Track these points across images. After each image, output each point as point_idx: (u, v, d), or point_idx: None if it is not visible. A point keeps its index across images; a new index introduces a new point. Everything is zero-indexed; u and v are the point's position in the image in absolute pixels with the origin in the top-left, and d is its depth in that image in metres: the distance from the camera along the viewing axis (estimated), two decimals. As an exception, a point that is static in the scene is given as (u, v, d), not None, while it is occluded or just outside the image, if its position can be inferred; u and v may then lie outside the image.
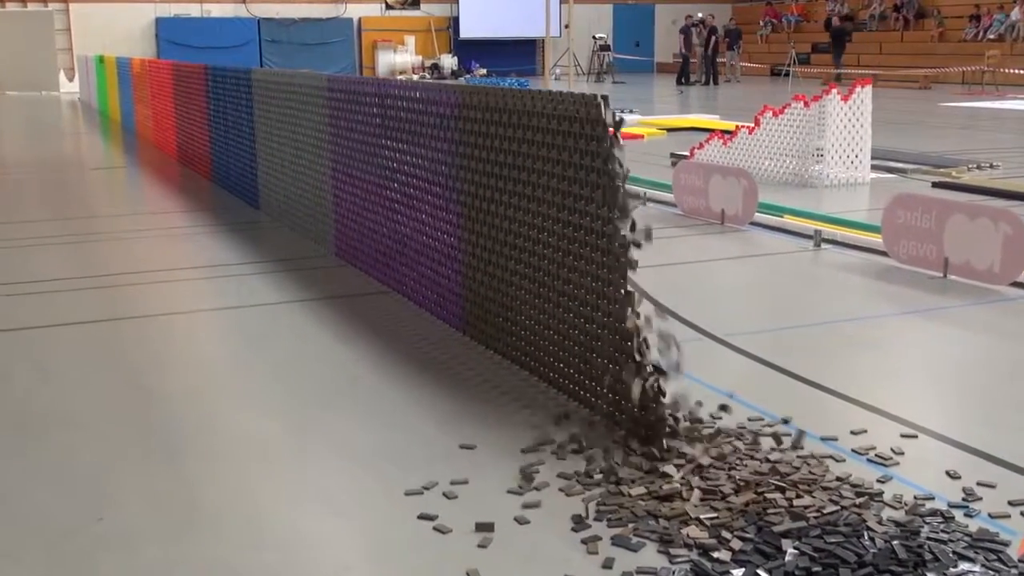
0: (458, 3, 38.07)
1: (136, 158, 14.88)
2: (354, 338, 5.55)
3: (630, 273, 4.21)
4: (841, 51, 31.75)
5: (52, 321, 6.06)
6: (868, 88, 10.60)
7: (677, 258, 7.62)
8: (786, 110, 10.83)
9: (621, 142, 4.25)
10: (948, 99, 24.01)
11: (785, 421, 4.27)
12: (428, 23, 38.35)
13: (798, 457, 3.89)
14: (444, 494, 3.64)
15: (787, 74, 34.86)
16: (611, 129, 4.21)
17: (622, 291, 4.20)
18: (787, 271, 7.24)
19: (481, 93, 5.16)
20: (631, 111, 20.18)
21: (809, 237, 7.94)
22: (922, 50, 32.26)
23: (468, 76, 35.56)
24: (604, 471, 3.77)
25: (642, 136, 15.94)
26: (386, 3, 38.09)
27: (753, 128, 11.29)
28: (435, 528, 3.39)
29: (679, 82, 32.14)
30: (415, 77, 34.07)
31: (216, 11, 35.86)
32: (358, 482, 3.79)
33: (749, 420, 4.28)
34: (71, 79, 33.21)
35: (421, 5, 38.43)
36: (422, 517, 3.47)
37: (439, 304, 5.83)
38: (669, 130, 16.84)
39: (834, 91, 10.49)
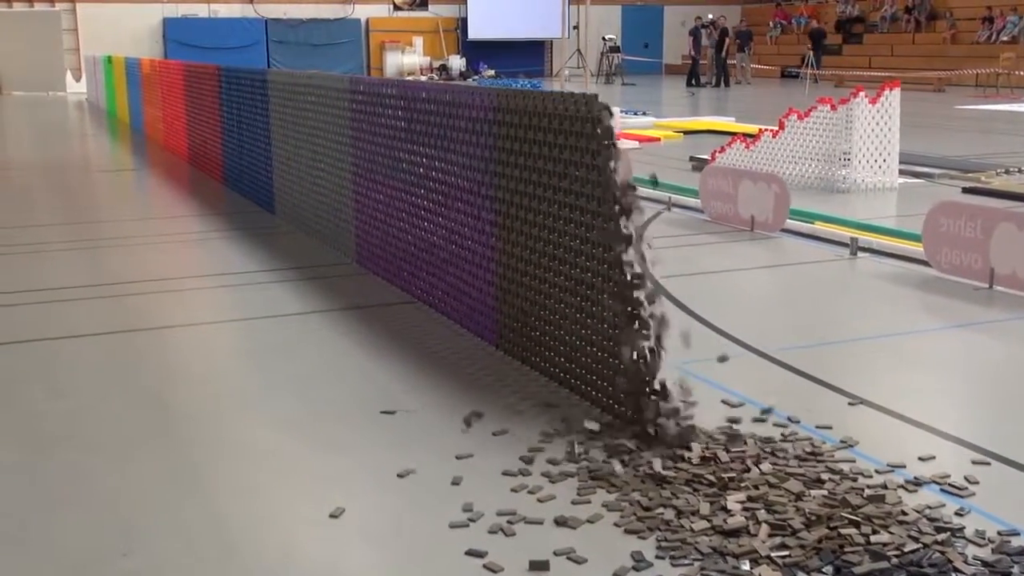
0: (466, 4, 37.80)
1: (146, 160, 14.64)
2: (383, 352, 5.30)
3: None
4: (820, 53, 32.61)
5: (63, 332, 5.81)
6: (896, 91, 10.33)
7: (708, 267, 7.36)
8: (812, 113, 10.58)
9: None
10: (963, 101, 23.73)
11: (847, 444, 4.02)
12: (436, 24, 38.10)
13: (868, 487, 3.63)
14: (491, 528, 3.38)
15: (797, 75, 34.61)
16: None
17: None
18: (825, 281, 6.98)
19: (518, 96, 4.92)
20: (644, 113, 19.92)
21: (843, 245, 7.68)
22: (934, 52, 31.96)
23: (476, 77, 35.31)
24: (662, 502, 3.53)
25: (659, 139, 15.68)
26: (394, 4, 37.84)
27: (777, 131, 11.02)
28: (485, 566, 3.14)
29: (689, 84, 31.86)
30: (423, 78, 33.83)
31: (224, 11, 35.61)
32: (396, 510, 3.54)
33: (798, 439, 4.03)
34: (78, 79, 32.97)
35: (429, 6, 38.17)
36: (470, 553, 3.22)
37: (470, 316, 5.58)
38: (685, 133, 16.57)
39: (861, 94, 10.23)
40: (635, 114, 19.32)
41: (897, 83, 10.44)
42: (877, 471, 3.79)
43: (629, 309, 4.16)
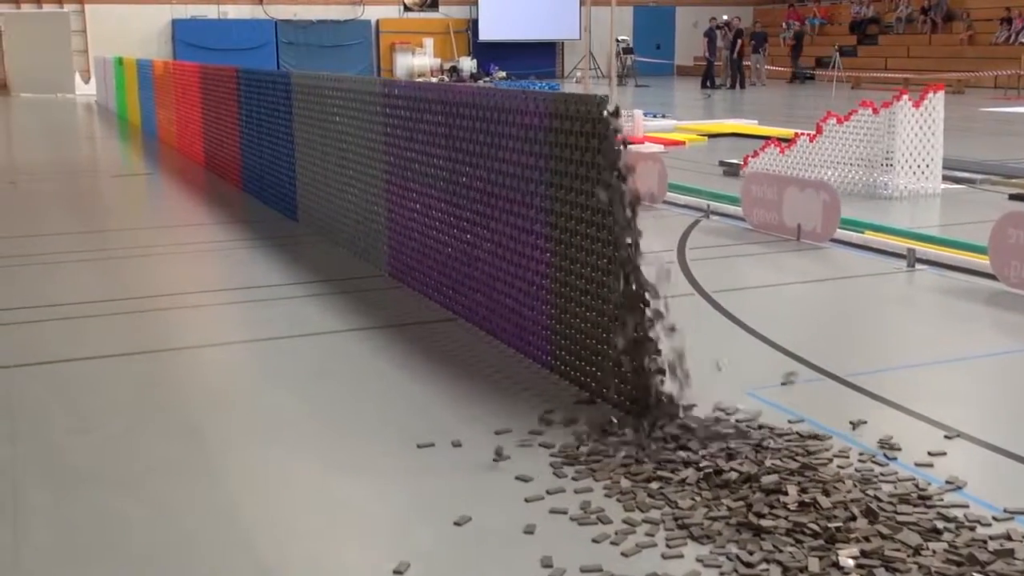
0: (477, 5, 37.43)
1: (160, 165, 14.27)
2: (428, 376, 4.92)
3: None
4: (798, 53, 33.88)
5: (82, 353, 5.43)
6: (940, 94, 9.95)
7: (757, 280, 6.98)
8: (852, 116, 10.19)
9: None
10: (985, 104, 23.30)
11: (955, 486, 3.63)
12: (447, 25, 37.73)
13: (990, 538, 3.25)
14: (577, 588, 3.01)
15: (812, 77, 34.19)
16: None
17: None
18: (885, 296, 6.59)
19: (576, 102, 4.54)
20: (663, 116, 19.53)
21: (898, 256, 7.29)
22: (951, 53, 31.55)
23: (487, 79, 34.93)
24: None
25: (683, 143, 15.29)
26: (404, 5, 37.47)
27: (815, 135, 10.64)
28: (577, 637, 2.77)
29: (704, 85, 31.45)
30: (434, 79, 33.45)
31: (233, 13, 35.27)
32: (466, 566, 3.16)
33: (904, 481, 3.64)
34: (87, 81, 32.63)
35: (440, 7, 37.80)
36: (557, 620, 2.84)
37: (519, 336, 5.20)
38: (709, 136, 16.17)
39: (905, 97, 9.83)
40: (654, 116, 18.91)
41: (941, 86, 10.05)
42: (995, 518, 3.41)
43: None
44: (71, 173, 13.43)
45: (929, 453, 3.93)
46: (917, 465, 3.84)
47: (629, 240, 4.25)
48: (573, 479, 3.77)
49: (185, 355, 5.41)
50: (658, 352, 4.21)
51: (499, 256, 5.30)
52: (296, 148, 8.70)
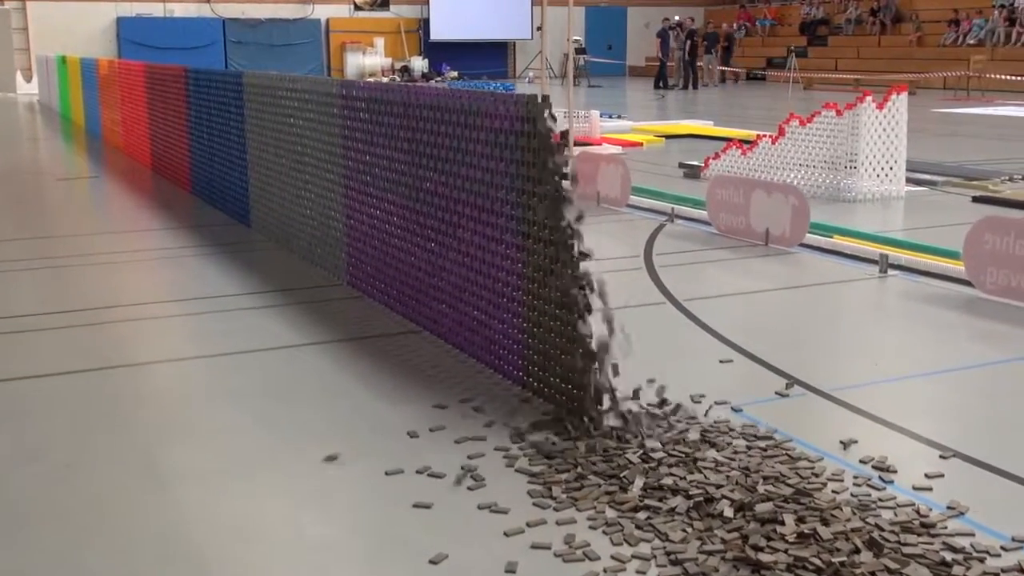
0: (428, 5, 37.11)
1: (105, 167, 13.83)
2: (393, 392, 4.66)
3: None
4: (730, 55, 34.54)
5: (26, 371, 5.11)
6: (904, 95, 9.84)
7: (728, 287, 6.80)
8: (815, 118, 10.06)
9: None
10: (936, 105, 23.42)
11: (958, 512, 3.45)
12: (398, 25, 37.36)
13: (1002, 571, 3.06)
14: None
15: (763, 78, 34.28)
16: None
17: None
18: (860, 304, 6.44)
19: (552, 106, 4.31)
20: (619, 116, 19.38)
21: (869, 261, 7.15)
22: (901, 55, 31.79)
23: (439, 79, 34.62)
24: None
25: (640, 144, 15.13)
26: (355, 4, 37.05)
27: (777, 137, 10.50)
28: None
29: (657, 86, 31.39)
30: (384, 79, 33.08)
31: (179, 11, 34.63)
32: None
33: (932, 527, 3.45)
34: (29, 80, 31.83)
35: (391, 6, 37.43)
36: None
37: (488, 350, 4.95)
38: (666, 137, 16.03)
39: (868, 99, 9.72)
40: (610, 117, 18.74)
41: (904, 87, 9.96)
42: (1004, 548, 3.22)
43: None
44: (13, 175, 12.97)
45: (926, 475, 3.75)
46: (915, 489, 3.65)
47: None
48: (554, 509, 3.53)
49: (136, 373, 5.09)
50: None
51: (466, 266, 5.06)
52: (248, 151, 8.38)
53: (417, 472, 3.82)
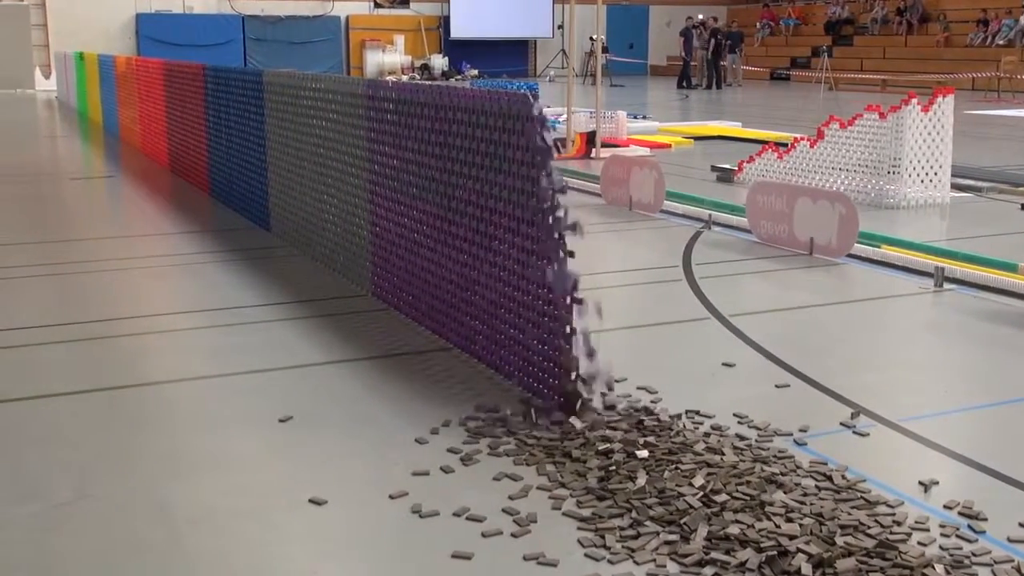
0: (448, 2, 36.75)
1: (121, 166, 13.51)
2: (427, 418, 4.26)
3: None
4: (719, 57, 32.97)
5: (31, 391, 4.75)
6: (950, 98, 9.42)
7: (775, 301, 6.40)
8: (857, 121, 9.65)
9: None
10: (966, 106, 22.89)
11: (1065, 573, 3.05)
12: (418, 22, 37.02)
13: None
14: None
15: (787, 77, 33.81)
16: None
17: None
18: (921, 322, 6.02)
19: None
20: (644, 117, 18.96)
21: (922, 274, 6.74)
22: (927, 55, 31.24)
23: (459, 77, 34.27)
24: None
25: (669, 145, 14.72)
26: (375, 1, 36.72)
27: (815, 140, 10.10)
28: None
29: (680, 86, 30.96)
30: (404, 78, 32.76)
31: (199, 7, 34.37)
32: None
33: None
34: (47, 76, 31.63)
35: (411, 4, 37.09)
36: None
37: (527, 372, 4.58)
38: (696, 139, 15.61)
39: (913, 101, 9.30)
40: (635, 118, 18.31)
41: (951, 89, 9.52)
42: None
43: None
44: (28, 175, 12.65)
45: (1021, 524, 3.35)
46: (1011, 541, 3.26)
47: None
48: (609, 561, 3.15)
49: (144, 394, 4.73)
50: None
51: (502, 280, 4.68)
52: (268, 152, 8.02)
53: (454, 515, 3.44)
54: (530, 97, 4.33)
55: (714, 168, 11.66)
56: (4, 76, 30.99)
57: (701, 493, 3.50)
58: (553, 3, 37.24)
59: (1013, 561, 3.11)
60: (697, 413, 4.31)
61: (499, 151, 4.55)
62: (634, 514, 3.41)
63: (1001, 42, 29.73)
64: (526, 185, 4.38)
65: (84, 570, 3.13)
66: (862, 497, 3.53)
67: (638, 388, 4.59)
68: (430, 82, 26.90)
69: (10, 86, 30.92)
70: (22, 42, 31.97)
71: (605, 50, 34.55)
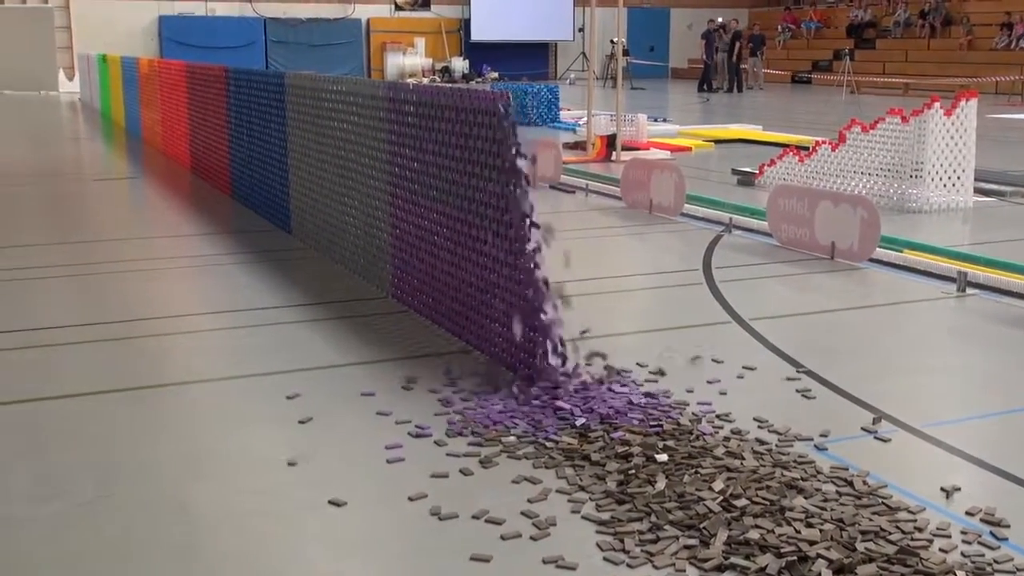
0: (469, 5, 36.79)
1: (144, 168, 13.59)
2: (452, 423, 4.28)
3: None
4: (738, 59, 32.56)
5: (54, 391, 4.79)
6: (974, 102, 9.36)
7: (796, 305, 6.37)
8: (879, 125, 9.61)
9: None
10: (990, 110, 22.75)
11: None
12: (439, 25, 37.07)
13: None
14: None
15: (808, 81, 33.70)
16: None
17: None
18: (943, 327, 6.00)
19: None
20: (664, 120, 18.94)
21: (944, 278, 6.71)
22: (951, 58, 31.02)
23: (479, 80, 34.31)
24: None
25: (690, 148, 14.69)
26: (395, 4, 36.79)
27: (837, 144, 10.06)
28: None
29: (701, 89, 30.89)
30: (425, 80, 32.83)
31: (221, 10, 34.51)
32: None
33: None
34: (71, 78, 31.84)
35: (432, 6, 37.14)
36: None
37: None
38: (716, 142, 15.58)
39: (936, 104, 9.25)
40: (655, 120, 18.28)
41: (975, 93, 9.46)
42: None
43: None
44: (51, 176, 12.74)
45: (1044, 531, 3.34)
46: (1034, 550, 3.24)
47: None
48: (628, 565, 3.15)
49: (166, 395, 4.76)
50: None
51: (522, 283, 4.68)
52: (290, 154, 8.06)
53: (473, 517, 3.45)
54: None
55: (735, 171, 11.63)
56: (28, 78, 31.22)
57: (721, 498, 3.50)
58: (574, 6, 37.22)
59: (1037, 569, 3.10)
60: (717, 417, 4.31)
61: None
62: (653, 518, 3.41)
63: (1025, 45, 29.53)
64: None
65: (106, 569, 3.15)
66: (883, 503, 3.52)
67: (661, 393, 4.58)
68: (450, 84, 27.02)
69: (34, 88, 31.15)
70: (46, 44, 32.19)
71: (626, 53, 34.53)
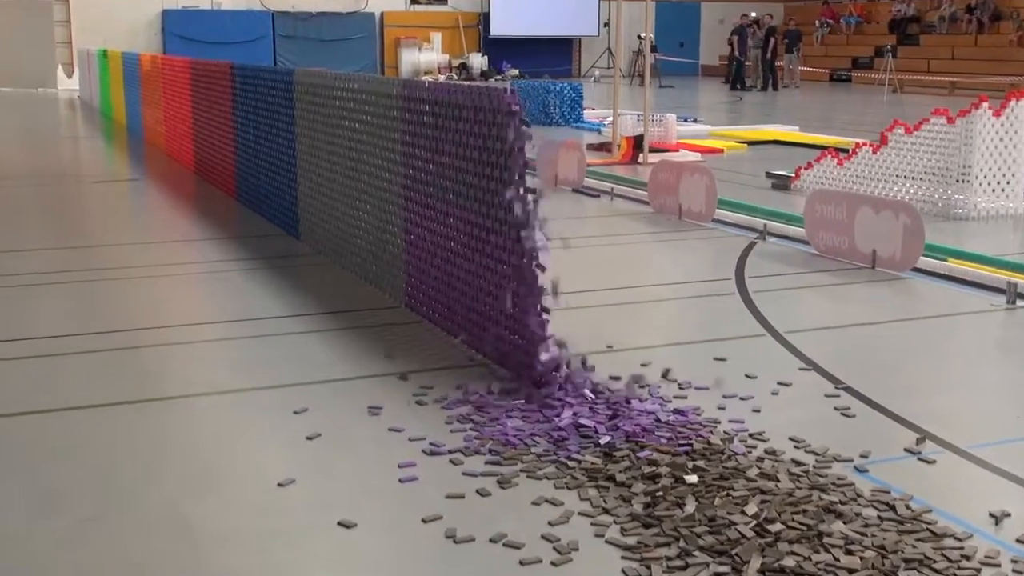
0: (488, -2, 36.92)
1: (145, 169, 13.69)
2: (469, 441, 4.28)
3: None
4: (773, 54, 32.27)
5: (53, 403, 4.81)
6: (1024, 102, 9.32)
7: (835, 318, 6.33)
8: (923, 126, 9.58)
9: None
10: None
11: None
12: (456, 19, 37.18)
13: None
14: None
15: (848, 79, 33.63)
16: None
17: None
18: (991, 341, 5.96)
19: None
20: (695, 120, 18.92)
21: (993, 290, 6.67)
22: (1000, 55, 30.89)
23: (499, 77, 34.39)
24: None
25: (721, 150, 14.68)
26: (411, -3, 36.98)
27: (879, 146, 10.03)
28: None
29: (734, 87, 30.87)
30: (441, 78, 32.93)
31: (227, 3, 34.75)
32: None
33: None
34: (70, 75, 32.09)
35: (448, 0, 37.27)
36: None
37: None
38: (749, 143, 15.56)
39: (984, 104, 9.21)
40: (685, 121, 18.25)
41: (1025, 93, 9.43)
42: None
43: None
44: (50, 177, 12.85)
45: (1099, 561, 3.30)
46: (1089, 580, 3.21)
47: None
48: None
49: (169, 408, 4.78)
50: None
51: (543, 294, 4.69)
52: (298, 155, 8.09)
53: (491, 541, 3.44)
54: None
55: (769, 175, 11.61)
56: (25, 74, 31.48)
57: (754, 522, 3.48)
58: (599, 0, 37.26)
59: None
60: (750, 436, 4.29)
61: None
62: (682, 543, 3.39)
63: (1079, 42, 29.38)
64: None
65: (103, 593, 3.17)
66: (928, 529, 3.50)
67: (691, 410, 4.57)
68: (468, 82, 27.01)
69: (32, 85, 31.41)
70: (44, 39, 32.48)
71: (654, 49, 34.51)
